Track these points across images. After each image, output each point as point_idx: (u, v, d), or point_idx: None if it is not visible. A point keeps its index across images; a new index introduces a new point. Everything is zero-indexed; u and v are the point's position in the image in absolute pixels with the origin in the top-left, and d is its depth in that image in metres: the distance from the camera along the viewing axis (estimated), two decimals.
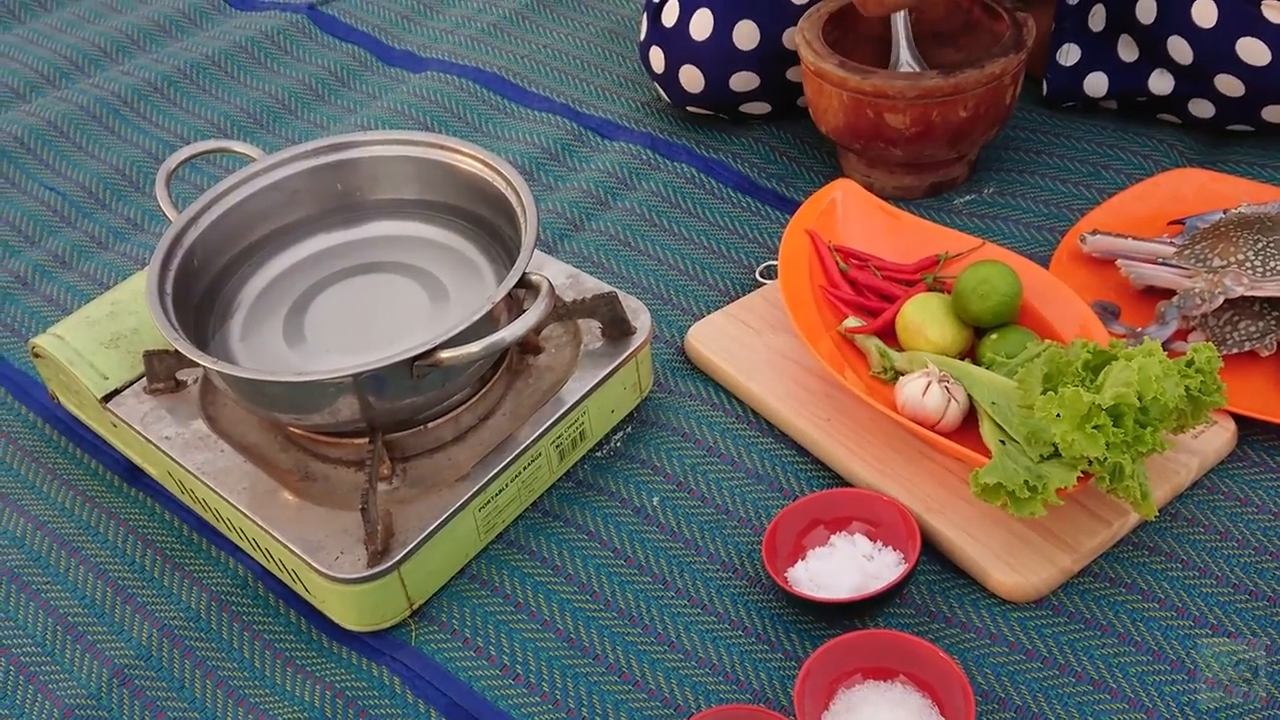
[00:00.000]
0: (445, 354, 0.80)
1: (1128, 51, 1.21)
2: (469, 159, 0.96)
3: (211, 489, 0.89)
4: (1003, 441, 0.84)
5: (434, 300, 0.94)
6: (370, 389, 0.83)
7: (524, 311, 0.82)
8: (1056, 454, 0.80)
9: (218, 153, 1.03)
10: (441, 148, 0.98)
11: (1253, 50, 1.11)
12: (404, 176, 1.00)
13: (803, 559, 0.86)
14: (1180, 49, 1.16)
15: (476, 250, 0.98)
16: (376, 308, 0.95)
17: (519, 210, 0.91)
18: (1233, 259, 0.95)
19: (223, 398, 0.95)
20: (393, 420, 0.88)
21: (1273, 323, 0.95)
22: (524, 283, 0.85)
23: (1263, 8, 1.10)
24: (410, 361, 0.80)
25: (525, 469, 0.90)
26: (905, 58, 1.17)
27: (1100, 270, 1.05)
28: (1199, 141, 1.22)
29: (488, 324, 0.84)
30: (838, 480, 0.93)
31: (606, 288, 0.98)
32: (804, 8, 1.20)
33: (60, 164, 1.37)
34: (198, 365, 0.84)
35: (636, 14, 1.50)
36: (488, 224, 0.97)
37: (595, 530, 0.92)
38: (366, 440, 0.88)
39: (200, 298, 0.95)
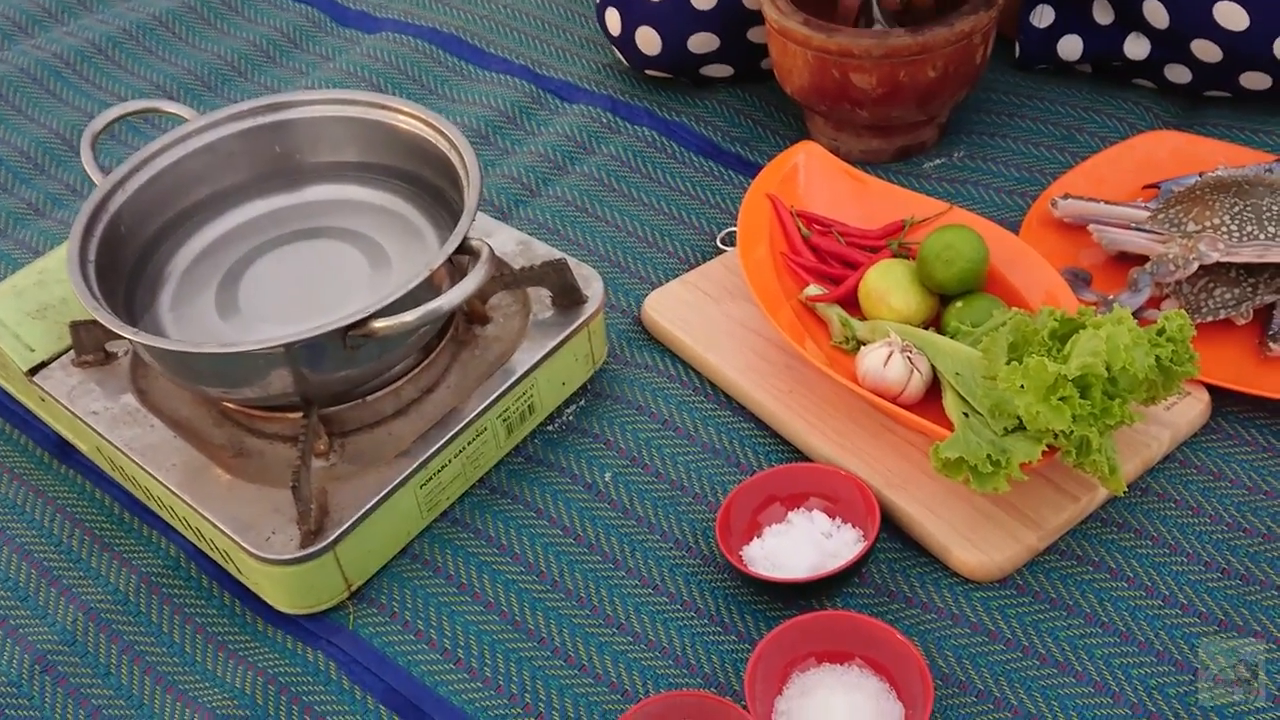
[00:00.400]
0: (380, 323, 0.76)
1: (1103, 14, 1.17)
2: (411, 119, 0.92)
3: (140, 466, 0.85)
4: (966, 414, 0.80)
5: (375, 267, 0.90)
6: (302, 360, 0.78)
7: (465, 277, 0.78)
8: (1021, 427, 0.77)
9: (149, 113, 0.98)
10: (382, 107, 0.93)
11: (1230, 15, 1.07)
12: (344, 138, 0.95)
13: (758, 537, 0.82)
14: (1156, 13, 1.12)
15: (420, 214, 0.93)
16: (315, 275, 0.90)
17: (462, 172, 0.87)
18: (1208, 223, 0.92)
19: (153, 371, 0.91)
20: (328, 393, 0.83)
21: (1249, 290, 0.91)
22: (466, 248, 0.81)
23: None
24: (343, 331, 0.76)
25: (470, 444, 0.86)
26: (877, 15, 1.13)
27: (1072, 236, 1.01)
28: (1175, 104, 1.18)
29: (427, 291, 0.80)
30: (797, 455, 0.89)
31: (557, 254, 0.93)
32: None
33: None
34: (122, 337, 0.80)
35: None
36: (431, 187, 0.93)
37: (544, 508, 0.88)
38: (302, 415, 0.84)
39: (131, 266, 0.91)
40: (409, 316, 0.76)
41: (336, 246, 0.92)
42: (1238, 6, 1.07)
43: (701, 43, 1.20)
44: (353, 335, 0.76)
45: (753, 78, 1.25)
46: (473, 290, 0.76)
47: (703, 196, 1.14)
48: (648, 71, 1.25)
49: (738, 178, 1.15)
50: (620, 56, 1.25)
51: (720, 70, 1.23)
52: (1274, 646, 0.75)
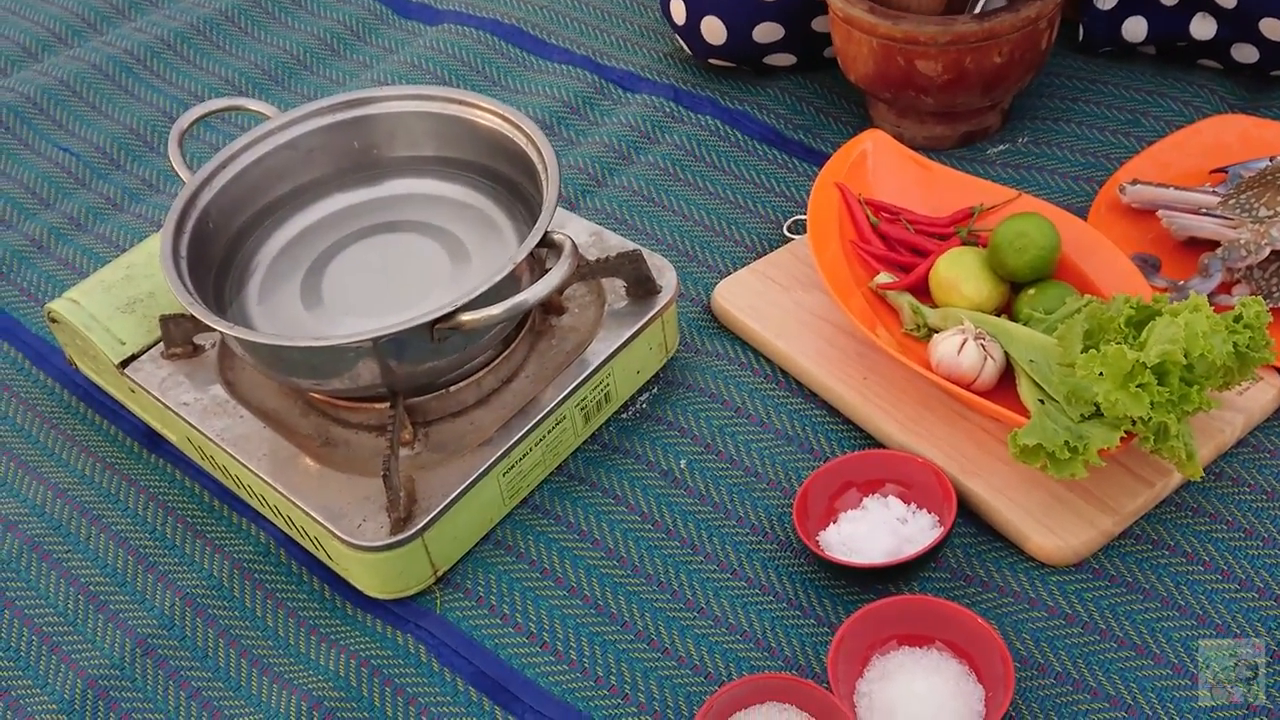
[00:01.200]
0: (466, 316, 0.78)
1: None
2: (488, 114, 0.93)
3: (231, 455, 0.87)
4: (1041, 401, 0.81)
5: (454, 260, 0.92)
6: (390, 353, 0.81)
7: (547, 271, 0.80)
8: (1098, 413, 0.78)
9: (231, 111, 1.00)
10: (460, 103, 0.95)
11: None
12: (422, 133, 0.97)
13: (834, 522, 0.84)
14: None
15: (497, 208, 0.95)
16: (395, 268, 0.93)
17: (540, 167, 0.88)
18: (1279, 209, 0.92)
19: (241, 362, 0.93)
20: (413, 384, 0.86)
21: None
22: (546, 242, 0.83)
23: None
24: (430, 324, 0.78)
25: (549, 433, 0.89)
26: None
27: (1140, 221, 1.01)
28: (1241, 87, 1.18)
29: (510, 285, 0.82)
30: (870, 441, 0.91)
31: (631, 245, 0.95)
32: None
33: (74, 124, 1.34)
34: (214, 330, 0.82)
35: None
36: (508, 181, 0.95)
37: (621, 494, 0.90)
38: (387, 405, 0.86)
39: (218, 260, 0.93)
40: (495, 310, 0.78)
41: (416, 240, 0.94)
42: None
43: (766, 32, 1.21)
44: (440, 328, 0.78)
45: (815, 66, 1.26)
46: (556, 284, 0.78)
47: (768, 185, 1.15)
48: (711, 61, 1.26)
49: (802, 165, 1.16)
50: (684, 45, 1.26)
51: (783, 59, 1.24)
52: None
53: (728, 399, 0.95)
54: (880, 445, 0.90)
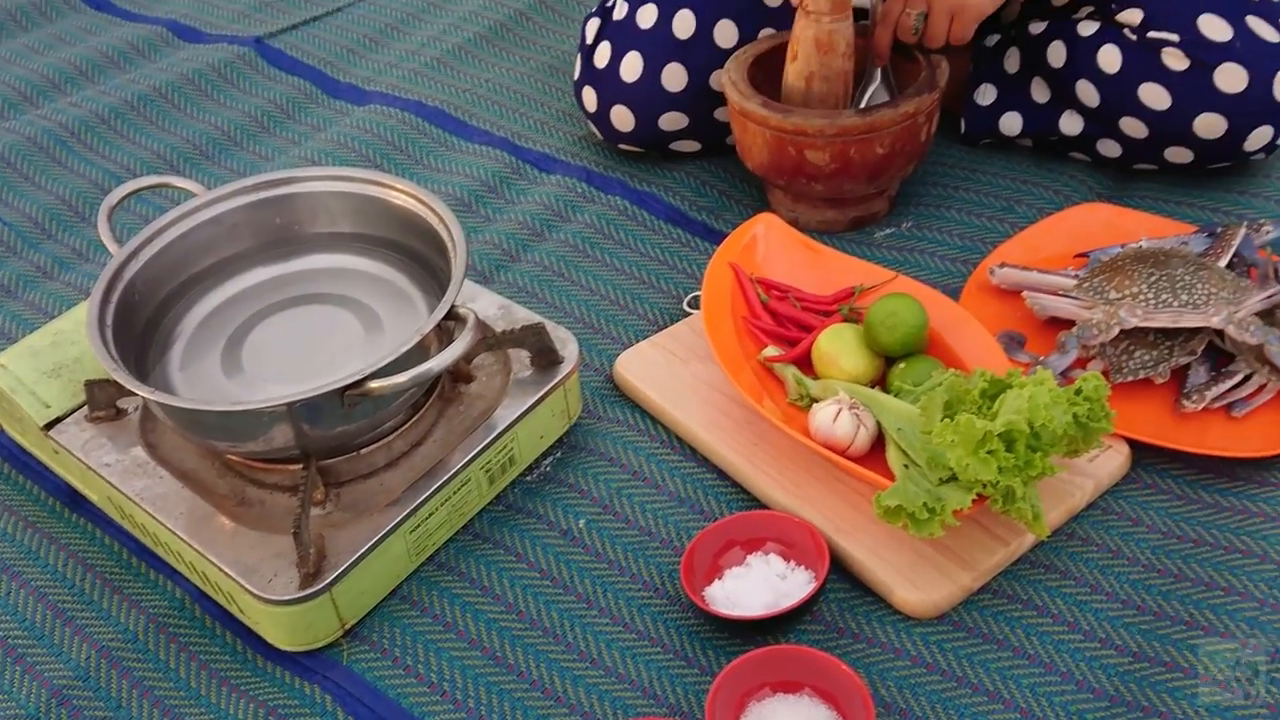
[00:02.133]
0: (375, 384, 0.84)
1: (1040, 93, 1.27)
2: (402, 194, 1.00)
3: (150, 514, 0.92)
4: (906, 465, 0.88)
5: (368, 331, 0.98)
6: (304, 418, 0.86)
7: (453, 342, 0.86)
8: (954, 478, 0.85)
9: (160, 187, 1.06)
10: (377, 183, 1.01)
11: (1154, 95, 1.18)
12: (340, 211, 1.03)
13: (719, 578, 0.90)
14: (1088, 93, 1.22)
15: (410, 282, 1.01)
16: (313, 338, 0.98)
17: (450, 244, 0.95)
18: (1128, 292, 1.01)
19: (162, 426, 0.98)
20: (326, 447, 0.91)
21: (1166, 352, 1.00)
22: (453, 314, 0.89)
23: (1162, 55, 1.16)
24: (341, 391, 0.84)
25: (455, 493, 0.94)
26: (876, 88, 1.23)
27: (1009, 301, 1.10)
28: (1108, 177, 1.28)
29: (418, 354, 0.88)
30: (755, 503, 0.97)
31: (536, 318, 1.02)
32: (730, 51, 1.25)
33: (7, 194, 1.39)
34: (137, 394, 0.87)
35: (575, 51, 1.55)
36: (421, 257, 1.01)
37: (523, 552, 0.96)
38: (301, 466, 0.91)
39: (142, 328, 0.98)
40: (402, 378, 0.84)
41: (333, 311, 1.00)
42: (1161, 88, 1.17)
43: (672, 121, 1.29)
44: (350, 395, 0.84)
45: (719, 152, 1.34)
46: (460, 354, 0.84)
47: (671, 262, 1.23)
48: (621, 146, 1.34)
49: (704, 244, 1.24)
50: (596, 131, 1.35)
51: (689, 146, 1.33)
52: (1179, 675, 0.83)
53: (626, 463, 1.02)
54: (765, 506, 0.96)
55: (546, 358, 1.00)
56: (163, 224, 1.00)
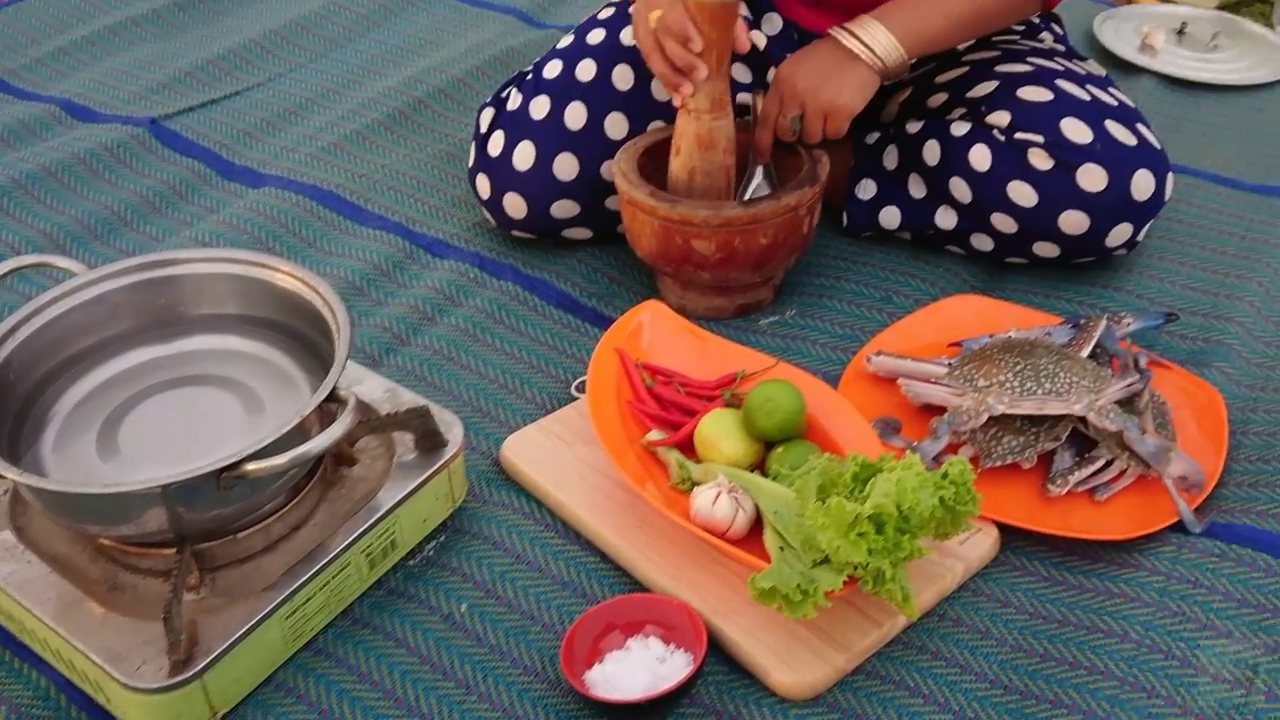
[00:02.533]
0: (252, 465, 0.83)
1: (917, 189, 1.33)
2: (288, 277, 1.00)
3: (16, 600, 0.89)
4: (782, 548, 0.90)
5: (249, 413, 0.97)
6: (178, 500, 0.85)
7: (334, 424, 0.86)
8: (827, 560, 0.87)
9: (40, 267, 1.05)
10: (262, 265, 1.02)
11: (1022, 193, 1.24)
12: (225, 292, 1.03)
13: (600, 662, 0.90)
14: (961, 189, 1.27)
15: (294, 365, 1.01)
16: (192, 420, 0.97)
17: (334, 327, 0.95)
18: (995, 380, 1.05)
19: (32, 509, 0.96)
20: (201, 530, 0.90)
21: (1032, 438, 1.04)
22: (334, 397, 0.89)
23: (1029, 155, 1.23)
24: (217, 473, 0.83)
25: (335, 578, 0.93)
26: (759, 182, 1.27)
27: (886, 388, 1.14)
28: (981, 270, 1.33)
29: (298, 436, 0.87)
30: (637, 585, 0.98)
31: (421, 401, 1.02)
32: (621, 142, 1.29)
33: None
34: (5, 476, 0.85)
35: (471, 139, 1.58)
36: (306, 339, 1.01)
37: (403, 638, 0.95)
38: (175, 550, 0.90)
39: (17, 409, 0.96)
40: (279, 460, 0.83)
41: (214, 393, 0.99)
42: (1028, 186, 1.23)
43: (563, 209, 1.32)
44: (226, 477, 0.83)
45: (610, 239, 1.37)
46: (338, 437, 0.84)
47: (561, 347, 1.24)
48: (513, 233, 1.36)
49: (594, 330, 1.26)
50: (489, 218, 1.37)
51: (580, 233, 1.35)
52: None
53: (509, 547, 1.02)
54: (646, 589, 0.97)
55: (431, 441, 1.00)
56: (41, 303, 0.99)
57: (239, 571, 0.92)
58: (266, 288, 1.02)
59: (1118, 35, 1.85)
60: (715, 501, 0.95)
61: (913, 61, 1.24)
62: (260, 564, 0.92)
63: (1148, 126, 1.26)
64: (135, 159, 1.57)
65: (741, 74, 1.35)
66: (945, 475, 0.88)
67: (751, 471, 1.00)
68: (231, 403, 0.98)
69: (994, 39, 1.37)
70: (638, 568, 0.98)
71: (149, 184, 1.52)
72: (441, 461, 1.00)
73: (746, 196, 1.25)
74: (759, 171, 1.27)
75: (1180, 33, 1.85)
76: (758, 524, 0.96)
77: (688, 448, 1.05)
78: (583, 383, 1.17)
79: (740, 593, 0.94)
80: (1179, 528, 1.01)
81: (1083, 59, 1.37)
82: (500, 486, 1.08)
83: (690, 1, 1.11)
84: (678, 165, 1.22)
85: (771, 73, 1.31)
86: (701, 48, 1.13)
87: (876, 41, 1.20)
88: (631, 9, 1.20)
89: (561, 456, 1.08)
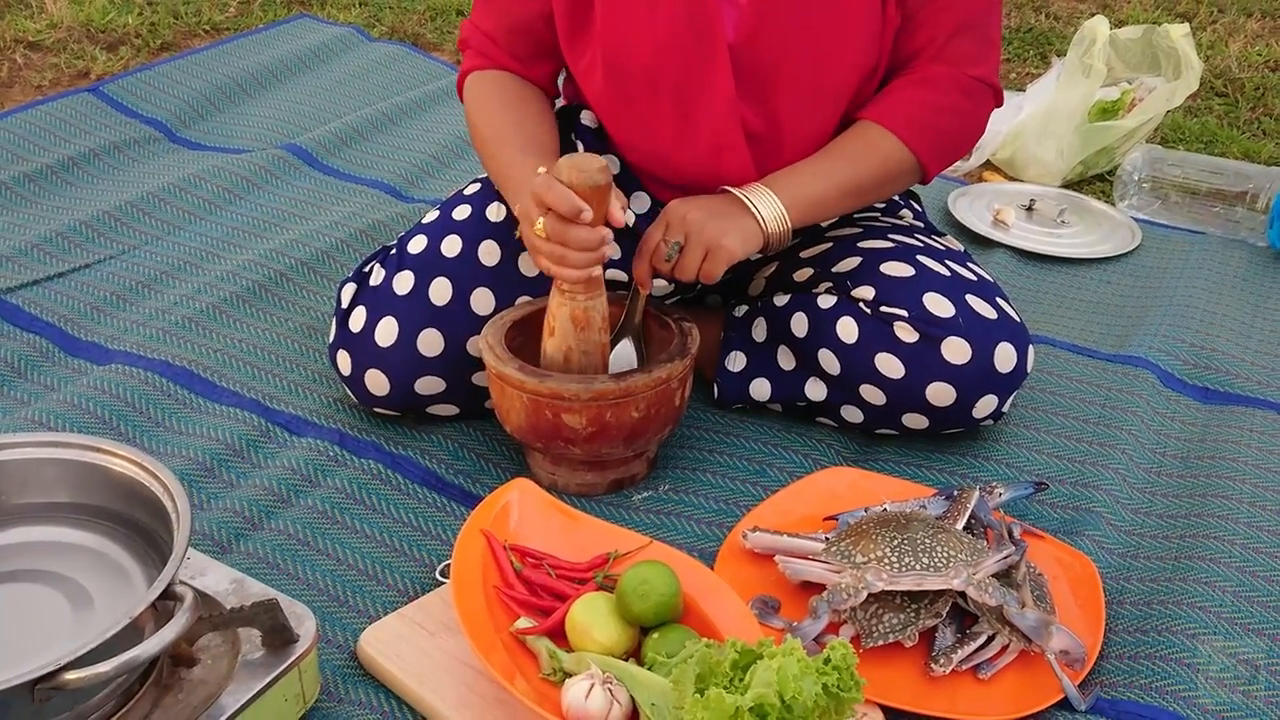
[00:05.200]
0: (72, 675, 0.75)
1: (786, 360, 1.33)
2: (124, 461, 0.94)
3: None
4: None
5: (77, 611, 0.89)
6: None
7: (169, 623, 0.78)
8: None
9: None
10: (95, 449, 0.95)
11: (889, 364, 1.24)
12: (55, 479, 0.96)
13: None
14: (830, 361, 1.28)
15: (130, 557, 0.93)
16: (11, 621, 0.88)
17: (174, 515, 0.88)
18: (873, 555, 1.03)
19: None
20: None
21: (913, 615, 1.02)
22: (169, 593, 0.82)
23: (894, 328, 1.24)
24: (32, 684, 0.75)
25: None
26: (627, 354, 1.25)
27: (763, 565, 1.10)
28: (853, 441, 1.33)
29: (129, 637, 0.80)
30: None
31: (270, 593, 0.95)
32: (487, 317, 1.26)
33: None
34: None
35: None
36: (144, 528, 0.94)
37: None
38: None
39: None
40: (104, 667, 0.75)
41: (38, 590, 0.91)
42: (894, 358, 1.24)
43: (428, 385, 1.28)
44: (41, 688, 0.75)
45: (478, 415, 1.33)
46: (171, 640, 0.77)
47: (425, 529, 1.18)
48: (376, 410, 1.31)
49: (460, 509, 1.21)
50: (350, 394, 1.31)
51: (446, 409, 1.31)
52: None
53: None
54: None
55: (280, 636, 0.93)
56: None
57: None
58: (101, 473, 0.94)
59: (971, 211, 1.92)
60: (589, 695, 0.89)
61: (795, 229, 1.25)
62: None
63: (1006, 300, 1.29)
64: None
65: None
66: (828, 660, 0.85)
67: (627, 659, 0.95)
68: (57, 600, 0.90)
69: (855, 215, 1.40)
70: None
71: None
72: (291, 659, 0.92)
73: (610, 369, 1.23)
74: (625, 343, 1.25)
75: (1029, 209, 1.93)
76: (635, 716, 0.91)
77: (559, 635, 0.99)
78: (448, 566, 1.11)
79: None
80: (1065, 705, 0.98)
81: (940, 234, 1.40)
82: (358, 683, 1.00)
83: (566, 180, 1.11)
84: (553, 346, 1.19)
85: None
86: (592, 218, 1.11)
87: (764, 204, 1.21)
88: (517, 211, 1.18)
89: (424, 648, 1.01)
